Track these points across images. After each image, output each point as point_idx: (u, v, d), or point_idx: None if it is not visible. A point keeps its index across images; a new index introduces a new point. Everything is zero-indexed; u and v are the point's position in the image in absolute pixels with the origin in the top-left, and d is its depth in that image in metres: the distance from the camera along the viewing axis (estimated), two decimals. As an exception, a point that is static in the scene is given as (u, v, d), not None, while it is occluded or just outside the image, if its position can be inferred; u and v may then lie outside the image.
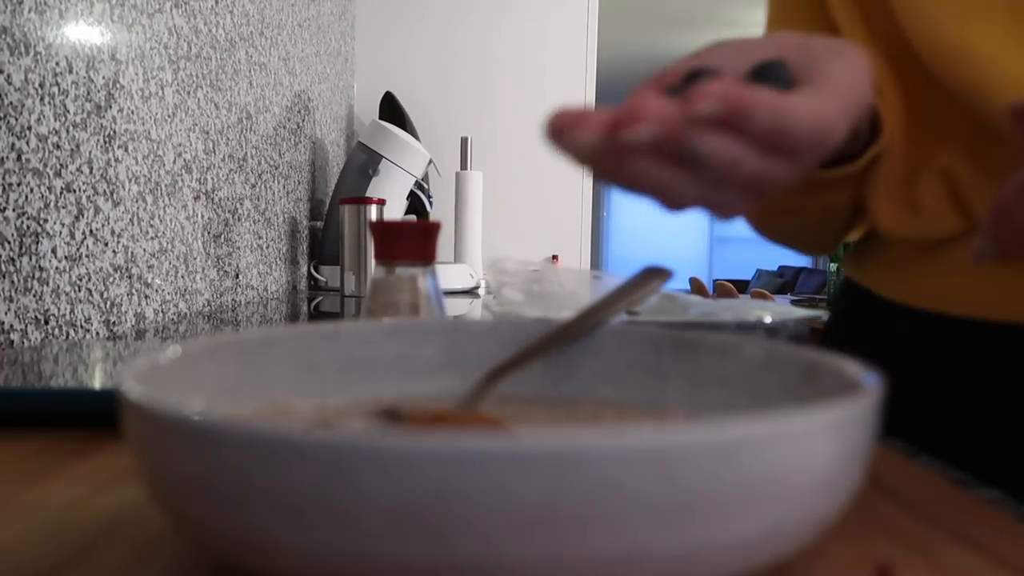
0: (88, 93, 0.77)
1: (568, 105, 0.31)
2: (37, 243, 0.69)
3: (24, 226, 0.67)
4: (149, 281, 0.92)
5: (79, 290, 0.76)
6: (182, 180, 1.01)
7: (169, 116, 0.97)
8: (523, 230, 2.39)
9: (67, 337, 0.74)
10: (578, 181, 2.41)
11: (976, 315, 0.53)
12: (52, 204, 0.71)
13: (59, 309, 0.72)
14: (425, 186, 1.77)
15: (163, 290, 0.96)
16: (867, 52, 0.42)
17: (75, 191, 0.75)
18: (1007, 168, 0.48)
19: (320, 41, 1.82)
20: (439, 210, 1.98)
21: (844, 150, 0.50)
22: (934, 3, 0.49)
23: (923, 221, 0.53)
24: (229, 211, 1.20)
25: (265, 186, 1.38)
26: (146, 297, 0.91)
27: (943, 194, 0.52)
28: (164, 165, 0.95)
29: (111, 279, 0.82)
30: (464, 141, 1.93)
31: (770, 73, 0.30)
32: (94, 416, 0.41)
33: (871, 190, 0.56)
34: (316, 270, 1.64)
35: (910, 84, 0.54)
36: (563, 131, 0.31)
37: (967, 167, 0.51)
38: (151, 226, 0.92)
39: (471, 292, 1.59)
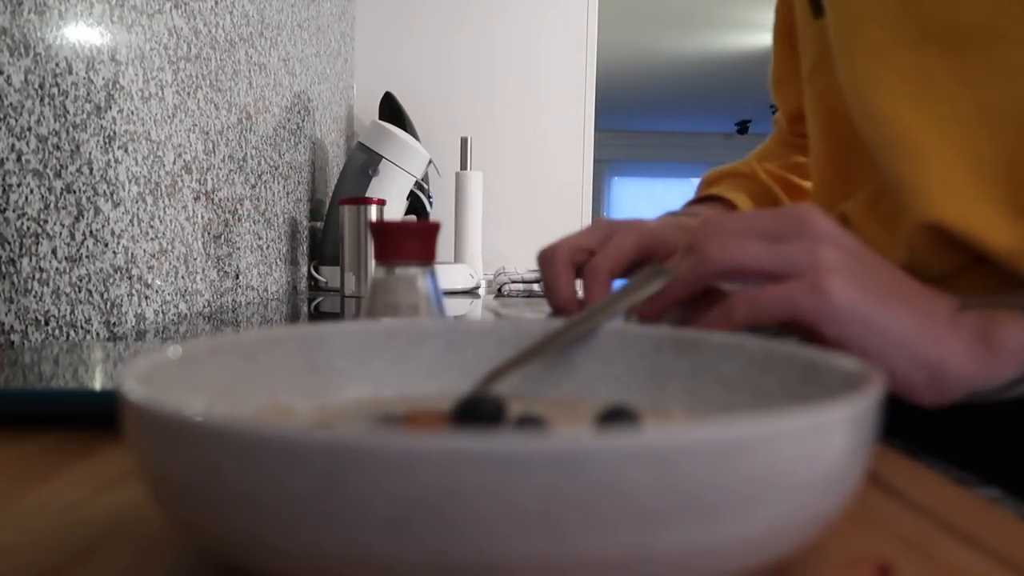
0: (88, 94, 0.77)
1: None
2: (37, 244, 0.69)
3: (24, 227, 0.67)
4: (149, 282, 0.92)
5: (79, 291, 0.76)
6: (182, 181, 1.01)
7: (169, 117, 0.97)
8: (523, 230, 2.39)
9: (67, 338, 0.74)
10: (578, 181, 2.41)
11: None
12: (52, 205, 0.71)
13: (59, 310, 0.72)
14: (425, 186, 1.77)
15: (163, 291, 0.96)
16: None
17: (75, 192, 0.75)
18: (894, 215, 0.56)
19: (320, 41, 1.82)
20: (439, 210, 1.98)
21: None
22: (861, 68, 0.57)
23: None
24: (229, 212, 1.20)
25: (265, 186, 1.38)
26: (146, 298, 0.91)
27: None
28: (164, 166, 0.95)
29: (111, 280, 0.82)
30: (464, 141, 1.93)
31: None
32: (94, 417, 0.41)
33: None
34: (316, 270, 1.64)
35: (836, 141, 0.64)
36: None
37: (862, 213, 0.60)
38: (151, 227, 0.92)
39: (471, 292, 1.59)
